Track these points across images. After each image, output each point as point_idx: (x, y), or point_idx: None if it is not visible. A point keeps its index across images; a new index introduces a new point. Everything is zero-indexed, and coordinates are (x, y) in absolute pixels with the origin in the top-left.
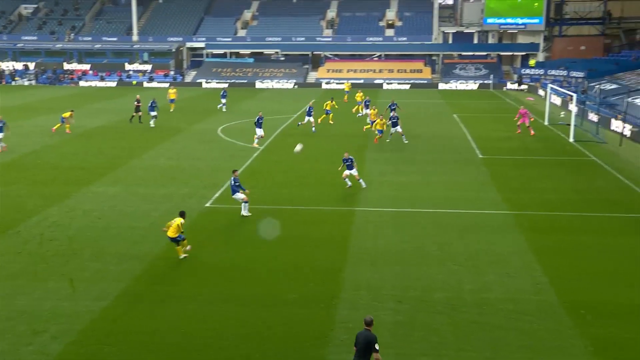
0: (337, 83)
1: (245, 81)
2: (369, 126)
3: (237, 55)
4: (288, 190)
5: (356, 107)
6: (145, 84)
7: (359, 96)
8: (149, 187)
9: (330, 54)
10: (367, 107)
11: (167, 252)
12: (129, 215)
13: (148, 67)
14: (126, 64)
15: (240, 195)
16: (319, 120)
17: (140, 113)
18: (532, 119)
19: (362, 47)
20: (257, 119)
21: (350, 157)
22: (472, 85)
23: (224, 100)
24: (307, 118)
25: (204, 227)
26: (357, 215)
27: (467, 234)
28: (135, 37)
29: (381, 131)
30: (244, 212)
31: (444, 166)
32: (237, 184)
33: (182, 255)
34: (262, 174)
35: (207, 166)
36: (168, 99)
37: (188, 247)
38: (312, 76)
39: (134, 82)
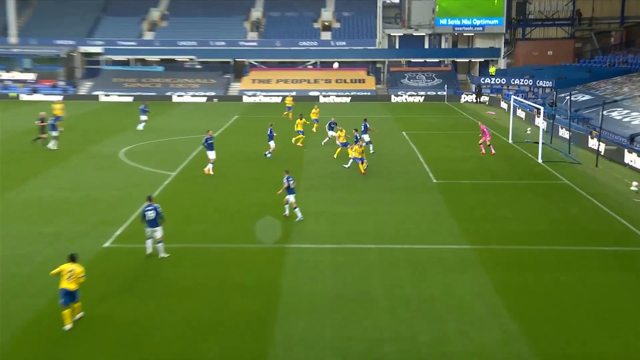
0: (264, 95)
1: (154, 94)
2: (339, 150)
3: (144, 62)
4: (206, 226)
5: (314, 125)
6: (25, 97)
7: (314, 113)
8: (32, 224)
9: (256, 62)
10: (331, 128)
11: (54, 305)
12: (5, 260)
13: (31, 76)
14: (2, 72)
15: (159, 233)
16: (293, 140)
17: (45, 135)
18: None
19: (294, 53)
20: (206, 139)
21: (292, 177)
22: (423, 98)
23: (144, 118)
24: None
25: (102, 273)
26: (290, 253)
27: (420, 274)
28: (13, 40)
29: (362, 159)
30: (162, 254)
31: (392, 194)
32: (158, 213)
33: (68, 326)
34: (175, 206)
35: (107, 197)
36: (52, 116)
37: (79, 315)
38: (235, 87)
39: (12, 95)
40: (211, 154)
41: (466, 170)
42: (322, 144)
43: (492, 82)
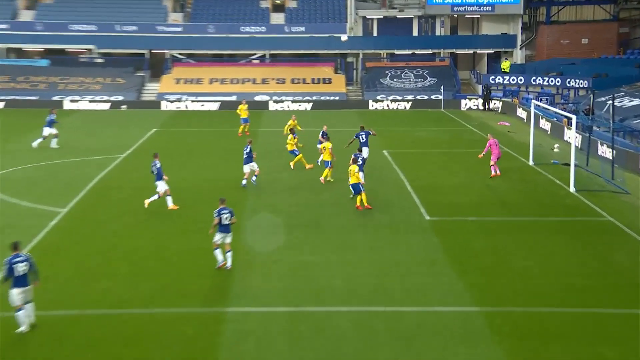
0: (192, 101)
1: (36, 97)
2: (328, 173)
3: (20, 53)
4: (108, 283)
5: (291, 140)
6: None
7: (291, 124)
8: None
9: (181, 54)
10: (323, 141)
11: None
12: None
13: None
14: None
15: (30, 294)
16: (292, 164)
17: None
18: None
19: (234, 43)
20: (153, 164)
21: (228, 209)
22: (412, 103)
23: (48, 132)
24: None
25: None
26: (229, 320)
27: (409, 348)
28: None
29: (359, 186)
30: (23, 328)
31: (371, 235)
32: (31, 266)
33: None
34: (65, 256)
35: None
36: None
37: None
38: (151, 89)
39: None
40: (161, 185)
41: (471, 203)
42: (318, 162)
43: (506, 81)
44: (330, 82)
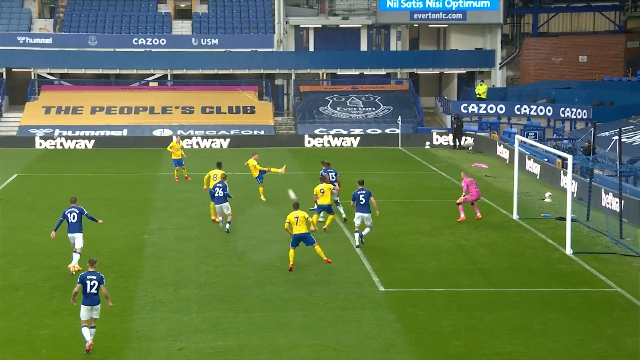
0: (68, 137)
1: None
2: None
3: None
4: None
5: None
6: None
7: (251, 163)
8: None
9: (51, 74)
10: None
11: None
12: None
13: None
14: None
15: None
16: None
17: None
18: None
19: (124, 60)
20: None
21: (98, 273)
22: (361, 139)
23: None
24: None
25: None
26: None
27: None
28: None
29: (361, 235)
30: None
31: (308, 312)
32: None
33: None
34: None
35: None
36: None
37: None
38: (11, 121)
39: None
40: (76, 241)
41: (439, 269)
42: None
43: (482, 110)
44: (253, 112)
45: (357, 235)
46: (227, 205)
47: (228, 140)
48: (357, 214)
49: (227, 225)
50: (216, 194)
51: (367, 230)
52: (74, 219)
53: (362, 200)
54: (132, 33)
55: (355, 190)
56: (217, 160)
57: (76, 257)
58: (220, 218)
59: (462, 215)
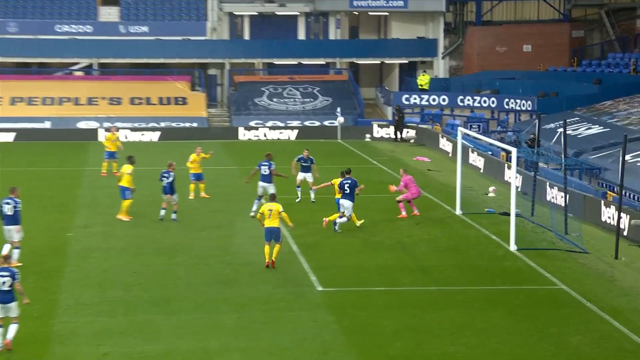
0: None
1: None
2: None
3: None
4: None
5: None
6: None
7: (195, 158)
8: None
9: None
10: (306, 170)
11: None
12: None
13: None
14: None
15: None
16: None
17: None
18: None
19: (46, 48)
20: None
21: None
22: (299, 132)
23: None
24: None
25: None
26: None
27: None
28: None
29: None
30: None
31: (241, 313)
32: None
33: None
34: None
35: None
36: None
37: None
38: None
39: None
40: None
41: (379, 267)
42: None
43: (424, 102)
44: (185, 103)
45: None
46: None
47: (158, 133)
48: (341, 201)
49: (174, 215)
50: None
51: (344, 219)
52: (9, 210)
53: (347, 190)
54: (55, 19)
55: (341, 180)
56: (142, 154)
57: (15, 252)
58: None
59: (403, 213)
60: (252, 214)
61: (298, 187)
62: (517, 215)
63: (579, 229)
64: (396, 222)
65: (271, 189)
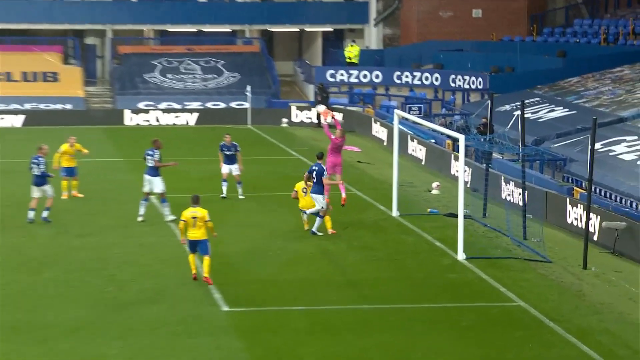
0: None
1: None
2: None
3: None
4: None
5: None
6: None
7: (67, 151)
8: None
9: None
10: (231, 158)
11: None
12: None
13: None
14: None
15: None
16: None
17: None
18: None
19: None
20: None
21: None
22: (200, 116)
23: None
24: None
25: None
26: None
27: None
28: None
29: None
30: None
31: (125, 340)
32: None
33: None
34: None
35: None
36: None
37: None
38: None
39: None
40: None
41: (298, 281)
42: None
43: (353, 79)
44: (56, 80)
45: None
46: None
47: (22, 117)
48: (313, 196)
49: (45, 213)
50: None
51: (317, 221)
52: None
53: (314, 179)
54: None
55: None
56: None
57: None
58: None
59: (343, 194)
60: (139, 218)
61: (224, 181)
62: (465, 216)
63: (540, 233)
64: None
65: (157, 183)
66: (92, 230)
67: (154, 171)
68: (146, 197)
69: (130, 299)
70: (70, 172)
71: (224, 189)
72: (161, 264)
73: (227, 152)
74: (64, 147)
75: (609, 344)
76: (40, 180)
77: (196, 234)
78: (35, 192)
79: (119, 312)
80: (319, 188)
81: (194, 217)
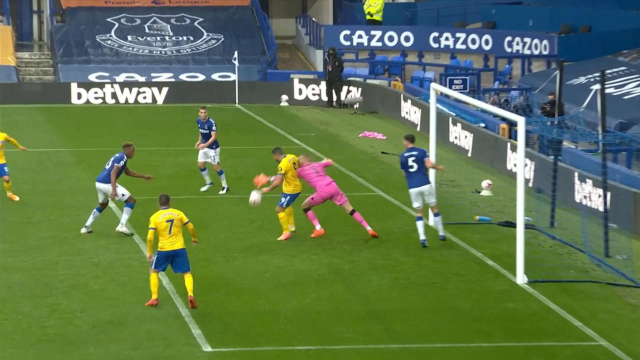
0: None
1: None
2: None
3: None
4: None
5: None
6: None
7: None
8: None
9: None
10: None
11: None
12: None
13: None
14: None
15: None
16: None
17: None
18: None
19: None
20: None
21: None
22: (170, 91)
23: None
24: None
25: None
26: None
27: None
28: None
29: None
30: None
31: None
32: None
33: None
34: None
35: None
36: None
37: None
38: None
39: None
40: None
41: (303, 312)
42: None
43: (375, 42)
44: None
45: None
46: None
47: None
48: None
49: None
50: None
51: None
52: None
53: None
54: None
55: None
56: None
57: None
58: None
59: (318, 228)
60: (84, 229)
61: (202, 169)
62: (526, 226)
63: (628, 249)
64: (330, 238)
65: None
66: (28, 245)
67: (107, 179)
68: (99, 206)
69: (80, 336)
70: None
71: (207, 178)
72: (120, 289)
73: (203, 131)
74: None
75: None
76: None
77: (174, 243)
78: None
79: (66, 354)
80: (423, 177)
81: (168, 221)
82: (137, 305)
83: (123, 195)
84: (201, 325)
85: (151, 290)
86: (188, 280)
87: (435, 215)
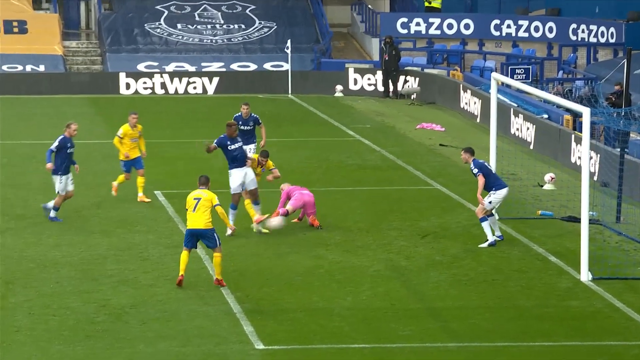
0: None
1: None
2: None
3: None
4: None
5: None
6: None
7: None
8: None
9: None
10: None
11: None
12: None
13: None
14: None
15: None
16: None
17: None
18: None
19: None
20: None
21: None
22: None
23: None
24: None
25: None
26: None
27: None
28: None
29: None
30: None
31: None
32: None
33: None
34: None
35: None
36: None
37: None
38: None
39: None
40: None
41: (357, 309)
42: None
43: (433, 30)
44: (24, 32)
45: None
46: None
47: None
48: None
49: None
50: None
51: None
52: None
53: None
54: None
55: None
56: None
57: None
58: None
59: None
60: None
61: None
62: (591, 221)
63: None
64: (386, 233)
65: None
66: (76, 240)
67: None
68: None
69: (129, 333)
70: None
71: None
72: (170, 285)
73: (243, 128)
74: (126, 129)
75: None
76: None
77: (197, 221)
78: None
79: (115, 350)
80: None
81: (196, 199)
82: (187, 301)
83: None
84: (253, 322)
85: (180, 267)
86: (215, 260)
87: (492, 215)
